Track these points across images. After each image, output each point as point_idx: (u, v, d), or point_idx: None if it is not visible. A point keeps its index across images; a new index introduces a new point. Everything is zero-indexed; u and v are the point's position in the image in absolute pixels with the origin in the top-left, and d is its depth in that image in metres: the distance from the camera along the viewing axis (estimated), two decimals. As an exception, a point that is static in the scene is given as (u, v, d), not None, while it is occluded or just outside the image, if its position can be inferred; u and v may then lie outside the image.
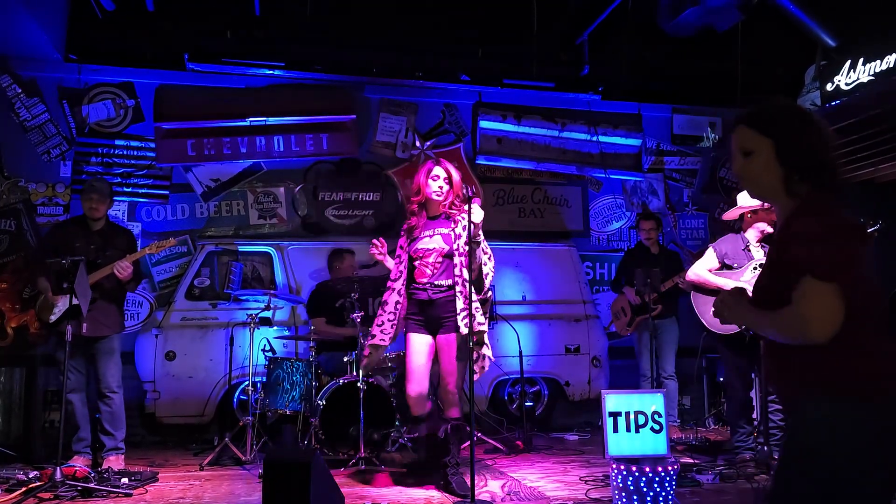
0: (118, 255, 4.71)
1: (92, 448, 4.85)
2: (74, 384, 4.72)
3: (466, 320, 3.95)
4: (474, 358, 4.01)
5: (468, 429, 4.46)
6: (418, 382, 4.15)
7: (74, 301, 4.47)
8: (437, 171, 4.15)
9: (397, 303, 4.17)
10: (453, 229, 4.13)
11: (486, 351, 4.08)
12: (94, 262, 4.70)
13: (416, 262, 4.16)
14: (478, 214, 3.94)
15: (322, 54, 7.47)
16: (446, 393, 4.15)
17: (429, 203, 4.21)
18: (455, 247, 4.07)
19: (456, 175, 4.17)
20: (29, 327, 6.40)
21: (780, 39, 7.75)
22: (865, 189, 7.29)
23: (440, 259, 4.12)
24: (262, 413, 5.17)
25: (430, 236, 4.14)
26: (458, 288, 4.01)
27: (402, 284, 4.20)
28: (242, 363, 5.85)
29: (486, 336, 4.10)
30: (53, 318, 4.62)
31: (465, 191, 3.96)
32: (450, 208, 4.19)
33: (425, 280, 4.13)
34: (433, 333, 4.16)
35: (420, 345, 4.16)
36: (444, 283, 4.11)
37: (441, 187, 4.13)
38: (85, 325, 4.60)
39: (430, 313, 4.13)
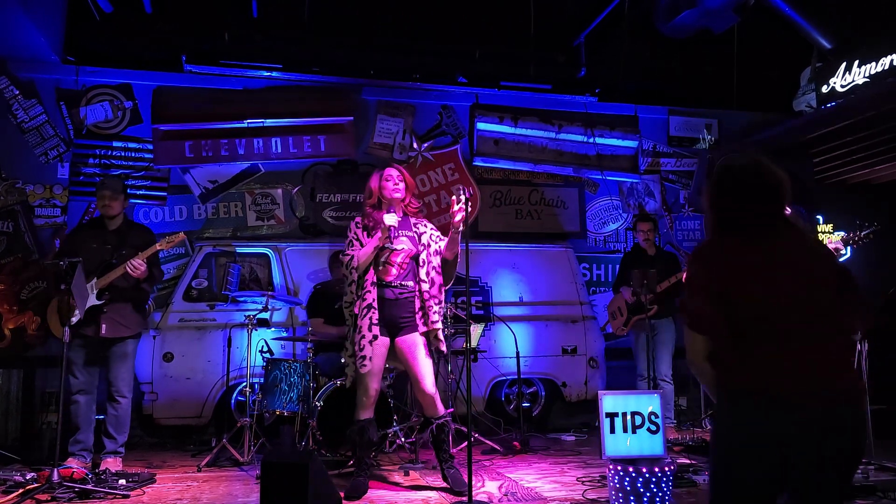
0: (134, 254, 4.66)
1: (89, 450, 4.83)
2: (84, 385, 4.71)
3: (431, 319, 4.13)
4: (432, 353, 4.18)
5: (453, 426, 4.50)
6: (377, 385, 4.15)
7: (95, 302, 4.49)
8: (390, 172, 4.27)
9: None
10: (417, 234, 4.25)
11: (442, 346, 4.23)
12: (109, 261, 4.69)
13: (382, 260, 4.16)
14: (389, 219, 4.07)
15: (320, 56, 7.48)
16: (424, 395, 4.16)
17: (386, 204, 4.26)
18: (421, 250, 4.20)
19: (408, 178, 4.31)
20: (27, 329, 6.40)
21: (775, 41, 7.80)
22: (861, 190, 7.32)
23: (407, 260, 4.20)
24: (260, 414, 5.17)
25: (397, 237, 4.17)
26: (420, 288, 4.16)
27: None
28: (240, 364, 5.86)
29: (440, 332, 4.20)
30: (75, 319, 4.58)
31: (460, 192, 4.00)
32: (407, 207, 4.30)
33: (391, 279, 4.15)
34: (391, 336, 4.16)
35: (380, 347, 4.12)
36: (408, 283, 4.18)
37: (397, 185, 4.23)
38: (104, 325, 4.59)
39: (390, 313, 4.13)
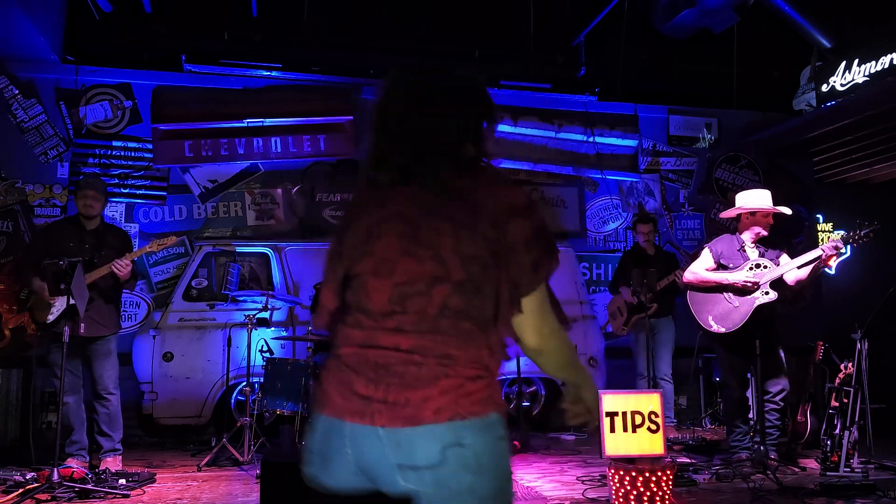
0: (114, 255, 4.65)
1: (89, 450, 4.82)
2: (70, 385, 4.69)
3: None
4: None
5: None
6: None
7: (71, 301, 4.46)
8: None
9: None
10: None
11: None
12: (90, 261, 4.66)
13: None
14: None
15: (319, 56, 7.49)
16: None
17: None
18: None
19: None
20: (26, 328, 6.39)
21: (775, 41, 7.80)
22: (860, 189, 7.33)
23: None
24: (260, 414, 5.17)
25: None
26: None
27: None
28: (240, 364, 5.86)
29: None
30: (51, 318, 4.59)
31: None
32: None
33: None
34: None
35: None
36: None
37: None
38: (83, 325, 4.57)
39: None
